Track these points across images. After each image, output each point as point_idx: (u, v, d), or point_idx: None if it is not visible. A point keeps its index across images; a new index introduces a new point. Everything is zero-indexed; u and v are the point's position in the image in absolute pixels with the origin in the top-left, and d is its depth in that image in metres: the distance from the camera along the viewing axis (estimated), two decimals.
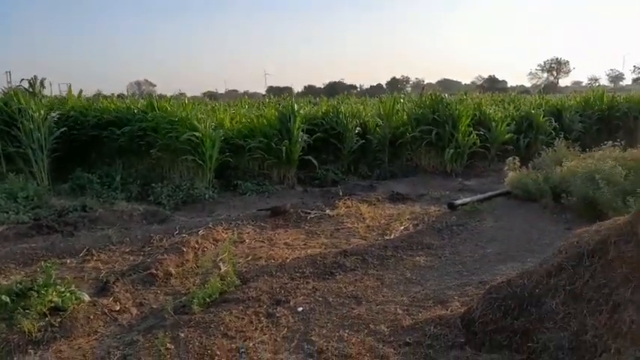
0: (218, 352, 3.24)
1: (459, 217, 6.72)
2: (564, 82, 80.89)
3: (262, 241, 5.91)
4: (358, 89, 59.09)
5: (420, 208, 7.35)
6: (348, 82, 69.47)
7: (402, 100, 12.20)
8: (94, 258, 5.32)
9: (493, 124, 10.90)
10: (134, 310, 4.03)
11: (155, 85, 61.74)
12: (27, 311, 3.58)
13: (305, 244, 5.74)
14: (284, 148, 8.69)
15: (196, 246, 5.44)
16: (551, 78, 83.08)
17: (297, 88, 66.77)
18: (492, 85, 62.80)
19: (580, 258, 3.13)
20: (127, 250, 5.59)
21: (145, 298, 4.24)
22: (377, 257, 5.14)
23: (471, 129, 10.34)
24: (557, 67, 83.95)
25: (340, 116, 10.15)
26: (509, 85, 66.48)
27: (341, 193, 8.05)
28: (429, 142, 10.21)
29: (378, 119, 10.98)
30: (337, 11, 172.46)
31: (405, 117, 11.02)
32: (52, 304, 3.74)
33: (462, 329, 3.36)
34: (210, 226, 6.23)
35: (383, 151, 10.65)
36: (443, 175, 10.01)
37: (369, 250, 5.32)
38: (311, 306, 4.01)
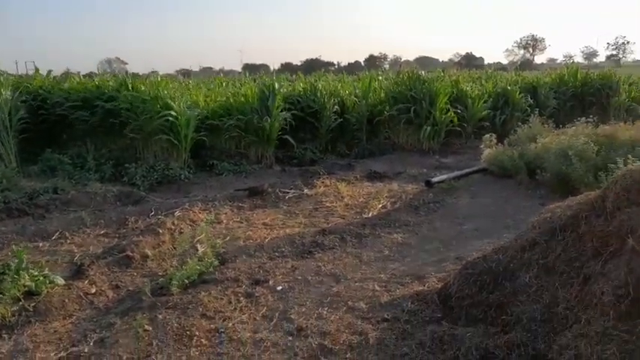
0: (197, 333, 3.23)
1: (436, 194, 6.79)
2: (540, 59, 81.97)
3: (240, 222, 5.87)
4: (336, 66, 58.71)
5: (397, 186, 7.39)
6: (325, 59, 68.90)
7: (379, 78, 12.15)
8: (68, 241, 5.21)
9: (470, 101, 10.96)
10: (110, 293, 3.97)
11: (127, 64, 59.85)
12: (0, 296, 3.49)
13: (283, 224, 5.73)
14: (265, 125, 8.57)
15: (173, 227, 5.37)
16: (528, 55, 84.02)
17: (274, 65, 65.81)
18: (470, 62, 63.14)
19: (553, 232, 3.20)
20: (102, 232, 5.49)
21: (121, 281, 4.18)
22: (355, 235, 5.16)
23: (449, 106, 10.38)
24: (533, 44, 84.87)
25: (318, 94, 10.05)
26: (486, 62, 66.96)
27: (322, 172, 8.02)
28: (407, 120, 10.22)
29: (356, 98, 10.91)
30: None
31: (382, 95, 10.99)
32: (26, 289, 3.66)
33: (439, 304, 3.42)
34: (186, 207, 6.15)
35: (361, 129, 10.63)
36: (420, 153, 10.07)
37: (348, 228, 5.34)
38: (290, 285, 4.02)
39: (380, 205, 6.27)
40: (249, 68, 38.11)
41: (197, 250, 4.65)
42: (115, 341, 3.12)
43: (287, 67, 53.22)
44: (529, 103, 12.07)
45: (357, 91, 11.19)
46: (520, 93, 12.08)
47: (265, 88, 8.87)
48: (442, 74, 11.81)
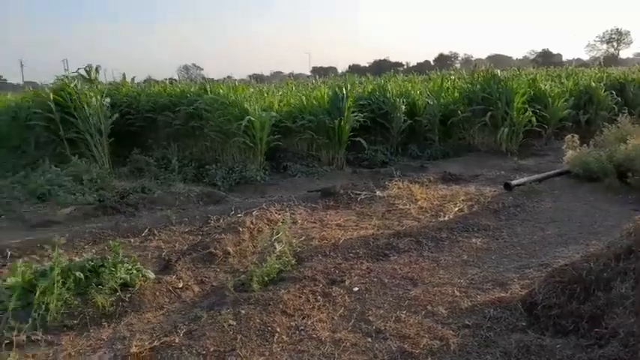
0: (278, 329, 3.34)
1: (516, 197, 6.51)
2: (625, 53, 75.87)
3: (314, 222, 5.97)
4: (405, 67, 57.85)
5: (474, 188, 7.18)
6: (393, 59, 68.15)
7: (451, 77, 11.86)
8: (156, 237, 5.57)
9: (549, 100, 10.42)
10: (196, 288, 4.20)
11: (202, 69, 62.78)
12: (100, 287, 3.80)
13: (356, 225, 5.75)
14: (336, 126, 8.66)
15: (252, 226, 5.58)
16: (611, 50, 78.07)
17: (342, 67, 66.14)
18: (547, 59, 59.86)
19: None
20: (186, 230, 5.80)
21: (205, 276, 4.41)
22: (431, 239, 5.08)
23: (526, 106, 9.93)
24: (617, 38, 78.73)
25: (388, 95, 10.00)
26: (564, 58, 63.10)
27: (398, 174, 7.95)
28: (483, 121, 9.89)
29: (427, 98, 10.73)
30: None
31: (456, 94, 10.72)
32: (122, 281, 3.95)
33: (524, 313, 3.29)
34: (263, 207, 6.35)
35: (433, 130, 10.43)
36: (497, 155, 9.70)
37: (423, 231, 5.27)
38: (366, 286, 4.04)
39: (456, 209, 6.12)
40: (318, 71, 38.66)
41: (275, 248, 4.79)
42: (202, 334, 3.29)
43: (355, 69, 53.25)
44: (616, 101, 11.26)
45: (428, 91, 11.00)
46: (605, 90, 11.30)
47: (338, 90, 8.96)
48: (518, 73, 11.32)
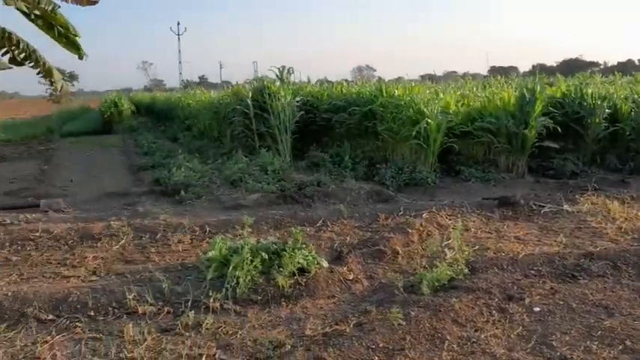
0: (448, 337, 3.22)
1: None
2: None
3: (489, 232, 5.63)
4: (602, 66, 50.92)
5: None
6: (587, 58, 60.53)
7: None
8: (329, 229, 5.85)
9: None
10: (365, 282, 4.30)
11: (375, 70, 64.28)
12: (280, 269, 4.14)
13: (539, 241, 5.25)
14: (520, 130, 8.03)
15: (421, 229, 5.49)
16: None
17: (524, 67, 61.05)
18: None
19: None
20: (356, 224, 5.98)
21: (374, 272, 4.48)
22: (633, 265, 4.35)
23: None
24: None
25: (586, 98, 8.88)
26: None
27: (591, 187, 7.05)
28: None
29: (632, 103, 9.24)
30: None
31: None
32: (299, 266, 4.23)
33: None
34: (433, 210, 6.20)
35: (639, 140, 8.94)
36: None
37: (622, 255, 4.54)
38: (549, 308, 3.65)
39: None
40: (497, 71, 36.30)
41: (446, 254, 4.64)
42: (372, 328, 3.34)
43: (540, 69, 48.60)
44: None
45: (636, 94, 9.47)
46: None
47: (526, 91, 8.27)
48: None
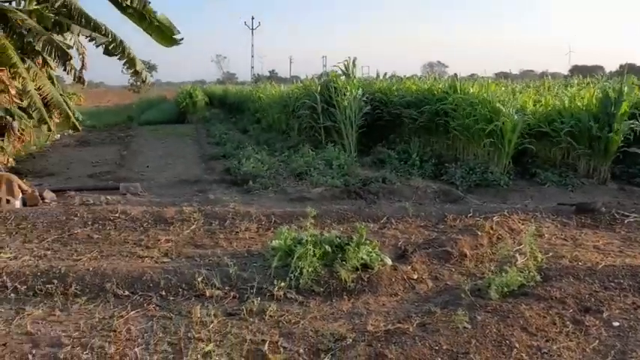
0: (517, 345, 3.07)
1: None
2: None
3: (564, 239, 5.31)
4: None
5: None
6: None
7: None
8: (393, 226, 5.77)
9: None
10: (430, 283, 4.20)
11: (447, 67, 62.52)
12: (343, 263, 4.13)
13: (620, 252, 4.88)
14: (604, 134, 7.49)
15: (491, 232, 5.28)
16: None
17: (610, 66, 56.75)
18: None
19: None
20: (422, 224, 5.85)
21: (439, 273, 4.37)
22: None
23: None
24: None
25: None
26: None
27: None
28: None
29: None
30: None
31: None
32: (362, 261, 4.21)
33: None
34: (505, 213, 5.93)
35: None
36: None
37: None
38: (630, 323, 3.39)
39: None
40: (579, 70, 34.10)
41: (517, 259, 4.43)
42: (435, 329, 3.25)
43: (628, 69, 45.02)
44: None
45: None
46: None
47: (612, 92, 7.69)
48: None
